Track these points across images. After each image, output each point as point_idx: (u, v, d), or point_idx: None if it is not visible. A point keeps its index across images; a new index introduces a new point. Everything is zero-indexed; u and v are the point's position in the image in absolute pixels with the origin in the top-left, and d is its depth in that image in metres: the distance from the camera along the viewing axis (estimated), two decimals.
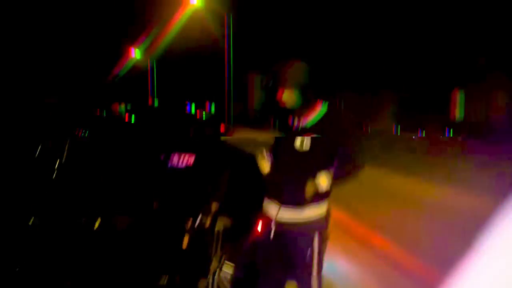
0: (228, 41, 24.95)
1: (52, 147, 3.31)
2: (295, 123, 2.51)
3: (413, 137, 18.19)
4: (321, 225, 2.50)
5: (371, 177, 8.33)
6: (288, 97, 2.43)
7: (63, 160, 3.17)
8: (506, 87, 18.55)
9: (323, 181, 2.37)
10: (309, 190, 2.38)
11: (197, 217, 2.93)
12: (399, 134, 21.37)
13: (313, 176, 2.39)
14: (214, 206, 2.98)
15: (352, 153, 2.41)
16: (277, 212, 2.53)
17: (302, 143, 2.40)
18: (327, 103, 2.50)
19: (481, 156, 12.02)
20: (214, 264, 3.45)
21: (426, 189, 7.70)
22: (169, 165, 2.99)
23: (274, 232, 2.54)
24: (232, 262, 3.46)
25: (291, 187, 2.44)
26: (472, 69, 20.06)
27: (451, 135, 19.22)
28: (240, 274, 3.43)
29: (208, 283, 3.34)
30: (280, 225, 2.52)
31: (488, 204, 6.10)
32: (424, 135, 18.05)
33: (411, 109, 23.45)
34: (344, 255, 4.53)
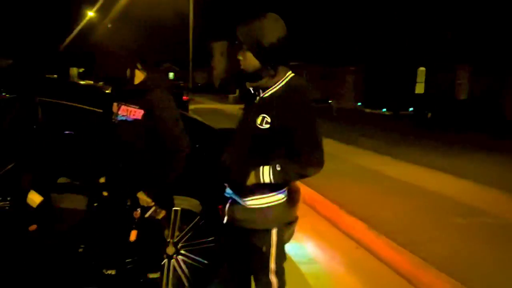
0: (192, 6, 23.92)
1: None
2: (257, 92, 2.09)
3: (379, 113, 18.29)
4: (277, 219, 2.13)
5: (341, 155, 8.30)
6: (244, 58, 2.03)
7: None
8: (470, 62, 18.85)
9: (266, 174, 2.01)
10: (250, 180, 2.02)
11: (148, 207, 2.46)
12: (364, 110, 21.40)
13: (262, 163, 2.01)
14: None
15: (304, 149, 1.97)
16: (228, 198, 2.17)
17: (262, 119, 2.00)
18: (290, 72, 2.06)
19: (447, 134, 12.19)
20: (170, 248, 3.09)
21: (394, 167, 7.61)
22: (115, 116, 2.45)
23: (228, 222, 2.18)
24: (191, 247, 3.14)
25: (237, 170, 2.06)
26: (437, 45, 20.23)
27: (415, 111, 19.42)
28: (200, 261, 3.11)
29: (163, 270, 2.98)
30: (231, 214, 2.16)
31: (455, 183, 6.29)
32: (389, 112, 18.18)
33: (376, 84, 23.58)
34: (311, 235, 4.30)
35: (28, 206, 2.66)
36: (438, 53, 20.21)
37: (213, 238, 3.05)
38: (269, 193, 2.09)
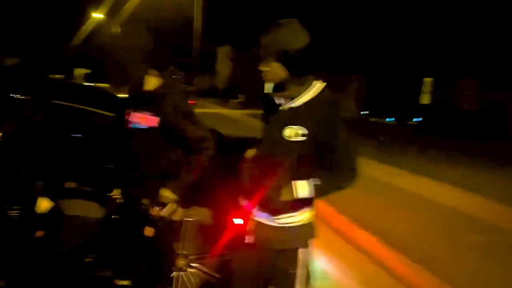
0: (197, 10, 23.96)
1: None
2: (281, 102, 1.96)
3: (383, 122, 18.12)
4: (305, 237, 2.03)
5: None
6: (269, 69, 1.88)
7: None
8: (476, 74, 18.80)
9: (303, 189, 1.90)
10: (284, 196, 1.90)
11: (165, 204, 2.36)
12: (368, 119, 21.23)
13: (296, 178, 1.90)
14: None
15: (340, 162, 1.89)
16: (252, 215, 2.05)
17: (291, 132, 1.88)
18: (319, 81, 1.94)
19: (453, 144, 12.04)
20: (180, 261, 2.97)
21: (404, 179, 7.47)
22: (129, 123, 2.36)
23: (253, 242, 2.07)
24: (202, 261, 3.01)
25: (266, 186, 1.93)
26: (444, 56, 20.18)
27: (420, 121, 19.29)
28: (211, 275, 2.98)
29: (172, 283, 2.85)
30: (257, 234, 2.05)
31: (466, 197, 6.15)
32: (393, 121, 18.02)
33: (380, 93, 23.45)
34: (323, 249, 4.18)
35: (36, 213, 2.56)
36: (445, 64, 20.15)
37: (226, 251, 2.93)
38: (302, 210, 1.97)
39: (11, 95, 2.60)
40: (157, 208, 2.36)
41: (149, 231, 2.39)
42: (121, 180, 2.46)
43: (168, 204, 2.37)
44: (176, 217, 2.44)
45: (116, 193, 2.51)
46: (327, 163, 1.89)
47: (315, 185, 1.89)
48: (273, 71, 1.88)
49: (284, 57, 1.84)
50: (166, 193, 2.33)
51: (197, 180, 2.37)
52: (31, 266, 2.59)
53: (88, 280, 2.74)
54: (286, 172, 1.90)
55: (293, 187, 1.90)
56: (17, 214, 2.44)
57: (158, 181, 2.33)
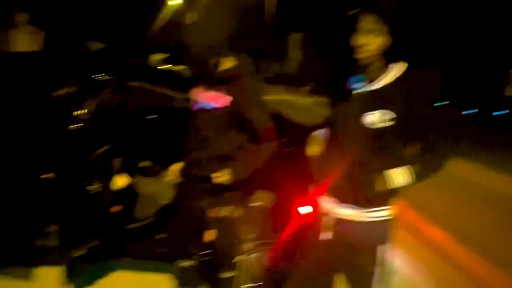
0: None
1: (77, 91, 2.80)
2: (358, 86, 1.81)
3: (463, 114, 16.87)
4: (388, 233, 1.93)
5: None
6: (372, 43, 1.68)
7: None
8: None
9: (398, 177, 1.74)
10: (379, 186, 1.75)
11: (225, 205, 2.35)
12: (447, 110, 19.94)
13: (387, 166, 1.76)
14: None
15: (438, 138, 1.75)
16: (332, 209, 1.95)
17: (377, 117, 1.72)
18: (402, 63, 1.78)
19: None
20: (247, 245, 2.98)
21: (484, 175, 6.91)
22: (197, 104, 2.36)
23: (334, 237, 1.96)
24: (266, 247, 3.00)
25: (352, 181, 1.82)
26: None
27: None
28: (276, 263, 2.97)
29: (237, 266, 2.88)
30: (340, 229, 1.94)
31: None
32: (475, 113, 16.74)
33: (461, 84, 21.94)
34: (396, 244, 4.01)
35: (113, 189, 2.69)
36: None
37: (291, 240, 2.88)
38: (391, 202, 1.86)
39: (95, 76, 2.73)
40: (215, 210, 2.34)
41: (209, 235, 2.38)
42: (186, 161, 2.48)
43: (227, 206, 2.35)
44: (235, 215, 2.41)
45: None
46: (420, 146, 1.78)
47: (409, 172, 1.76)
48: (376, 45, 1.71)
49: (394, 30, 1.69)
50: (226, 176, 2.29)
51: (261, 166, 2.33)
52: (108, 238, 2.73)
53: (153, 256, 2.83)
54: (374, 161, 1.78)
55: (388, 176, 1.76)
56: (96, 188, 2.57)
57: (222, 164, 2.30)
